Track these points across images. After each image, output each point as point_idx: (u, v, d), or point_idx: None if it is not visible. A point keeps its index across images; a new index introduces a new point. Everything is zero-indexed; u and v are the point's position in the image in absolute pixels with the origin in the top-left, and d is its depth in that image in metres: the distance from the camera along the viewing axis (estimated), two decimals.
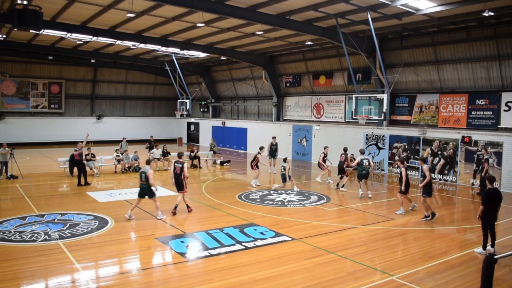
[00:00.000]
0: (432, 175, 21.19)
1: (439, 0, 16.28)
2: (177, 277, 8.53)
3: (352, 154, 18.26)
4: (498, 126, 19.43)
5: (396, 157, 22.01)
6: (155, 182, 13.73)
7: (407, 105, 23.57)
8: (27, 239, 10.60)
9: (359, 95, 21.70)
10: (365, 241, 10.96)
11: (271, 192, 17.38)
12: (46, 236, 10.80)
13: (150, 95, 44.44)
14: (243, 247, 10.20)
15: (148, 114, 44.44)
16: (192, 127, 43.01)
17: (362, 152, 17.02)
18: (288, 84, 31.47)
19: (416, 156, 21.94)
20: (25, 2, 16.50)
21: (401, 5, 16.62)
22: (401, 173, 13.94)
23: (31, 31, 20.87)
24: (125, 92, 42.71)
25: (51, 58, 34.64)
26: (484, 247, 10.03)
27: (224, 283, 8.11)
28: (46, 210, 13.64)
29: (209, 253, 9.78)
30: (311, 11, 18.53)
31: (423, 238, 11.33)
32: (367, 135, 24.51)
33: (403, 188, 13.75)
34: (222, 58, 32.59)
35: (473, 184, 19.50)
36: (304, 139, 28.95)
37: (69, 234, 11.02)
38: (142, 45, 27.37)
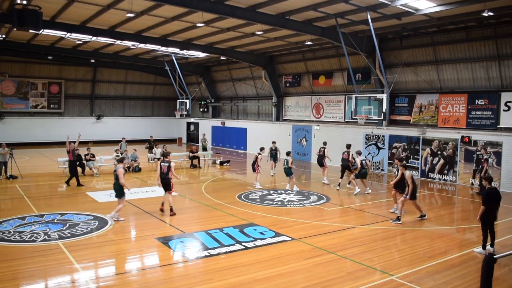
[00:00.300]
0: (432, 174, 21.27)
1: (439, 0, 16.28)
2: (177, 277, 8.53)
3: (352, 154, 18.36)
4: (498, 126, 19.44)
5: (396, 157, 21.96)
6: (155, 182, 13.72)
7: (406, 105, 23.58)
8: (26, 239, 10.59)
9: (358, 95, 21.69)
10: (365, 241, 10.96)
11: (271, 192, 17.38)
12: (46, 236, 10.80)
13: (150, 95, 44.44)
14: (243, 247, 10.19)
15: (148, 114, 44.44)
16: (192, 127, 43.01)
17: (359, 153, 17.32)
18: (287, 84, 31.47)
19: (416, 156, 21.99)
20: (24, 2, 16.49)
21: (400, 5, 16.62)
22: (402, 174, 13.19)
23: (30, 31, 20.86)
24: (124, 92, 42.71)
25: (50, 58, 34.64)
26: (484, 247, 10.03)
27: (224, 283, 8.11)
28: (46, 210, 13.63)
29: (209, 253, 9.78)
30: (311, 11, 18.53)
31: (422, 238, 11.33)
32: (366, 135, 24.52)
33: (408, 196, 12.73)
34: (222, 58, 32.59)
35: (472, 184, 19.50)
36: (304, 139, 28.95)
37: (69, 234, 11.02)
38: (141, 45, 27.36)
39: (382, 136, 23.68)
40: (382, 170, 23.54)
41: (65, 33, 23.68)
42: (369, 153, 24.10)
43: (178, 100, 35.25)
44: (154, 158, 24.23)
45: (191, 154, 24.93)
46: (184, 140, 43.22)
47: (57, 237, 10.76)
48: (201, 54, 31.16)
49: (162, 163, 13.61)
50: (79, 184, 18.26)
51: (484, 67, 20.08)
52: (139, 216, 13.24)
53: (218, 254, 9.71)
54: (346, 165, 18.10)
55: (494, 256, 6.71)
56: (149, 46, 28.10)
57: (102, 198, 15.80)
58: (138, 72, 41.88)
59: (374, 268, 8.99)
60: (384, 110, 20.53)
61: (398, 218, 12.79)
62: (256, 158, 18.18)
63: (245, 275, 8.49)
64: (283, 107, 32.36)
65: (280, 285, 8.05)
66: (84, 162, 21.23)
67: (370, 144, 24.23)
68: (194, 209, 14.78)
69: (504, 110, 19.25)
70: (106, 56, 33.38)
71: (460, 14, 17.86)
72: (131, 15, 19.52)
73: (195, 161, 24.93)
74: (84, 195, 16.45)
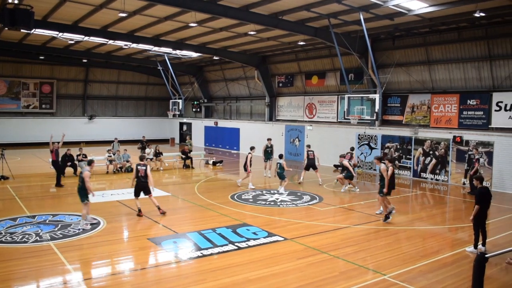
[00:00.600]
0: (424, 174, 21.39)
1: (431, 1, 16.37)
2: (170, 278, 8.50)
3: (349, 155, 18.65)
4: (489, 126, 19.58)
5: (388, 156, 22.09)
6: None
7: (399, 105, 23.69)
8: (18, 240, 10.51)
9: (351, 95, 21.75)
10: (358, 241, 10.99)
11: (264, 192, 17.39)
12: (38, 237, 10.73)
13: (142, 95, 44.27)
14: (236, 247, 10.18)
15: (140, 114, 44.27)
16: (185, 127, 42.92)
17: (344, 156, 18.26)
18: (280, 84, 31.50)
19: (408, 156, 22.10)
20: (16, 1, 16.35)
21: (393, 5, 16.70)
22: (387, 171, 13.26)
23: (22, 30, 20.68)
24: (117, 92, 42.51)
25: (42, 58, 34.40)
26: (476, 246, 10.10)
27: (217, 283, 8.10)
28: (38, 211, 13.54)
29: (201, 253, 9.76)
30: (304, 11, 18.55)
31: (415, 237, 11.39)
32: (359, 135, 24.60)
33: (385, 190, 13.00)
34: (215, 58, 32.53)
35: (464, 183, 19.62)
36: (297, 139, 28.99)
37: (61, 235, 10.95)
38: (134, 45, 27.24)
39: (375, 136, 23.76)
40: (375, 170, 23.61)
41: (57, 32, 23.52)
42: (362, 153, 24.20)
43: (170, 100, 35.14)
44: (146, 159, 24.10)
45: (183, 156, 24.87)
46: (177, 140, 43.10)
47: (49, 238, 10.70)
48: (194, 54, 31.10)
49: (139, 167, 13.35)
50: (58, 184, 18.05)
51: (475, 67, 20.22)
52: (131, 217, 13.18)
53: (211, 254, 9.70)
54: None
55: (486, 255, 6.76)
56: (142, 46, 27.99)
57: (94, 199, 15.62)
58: (131, 72, 41.70)
59: (367, 268, 9.01)
60: (376, 110, 20.59)
61: (387, 216, 12.85)
62: (247, 158, 18.15)
63: (238, 275, 8.48)
64: (276, 107, 32.38)
65: (273, 285, 8.06)
66: (76, 162, 21.10)
67: (363, 144, 24.31)
68: (186, 210, 14.75)
69: (495, 110, 19.39)
70: (99, 56, 33.20)
71: (452, 15, 17.97)
72: (124, 14, 19.45)
73: (188, 162, 24.88)
74: (76, 195, 16.28)
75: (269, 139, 22.18)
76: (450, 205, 16.48)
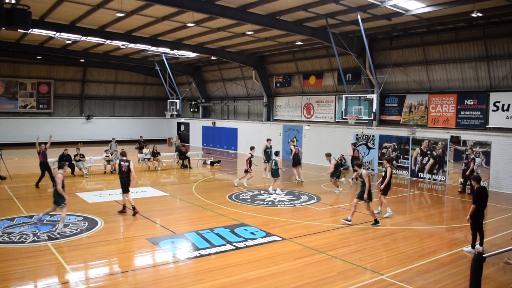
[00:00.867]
0: (421, 174, 21.42)
1: (428, 1, 16.40)
2: (168, 278, 8.49)
3: (335, 158, 18.55)
4: (487, 126, 19.63)
5: (386, 156, 22.10)
6: (145, 183, 13.63)
7: (396, 105, 23.73)
8: (15, 240, 10.49)
9: (349, 95, 21.76)
10: (355, 241, 11.00)
11: (262, 192, 17.39)
12: (35, 237, 10.71)
13: (140, 95, 44.22)
14: (234, 247, 10.18)
15: (138, 114, 44.22)
16: (182, 127, 42.88)
17: (329, 155, 18.23)
18: (278, 84, 31.50)
19: (405, 156, 22.12)
20: (13, 1, 16.33)
21: (390, 5, 16.70)
22: (385, 172, 13.61)
23: (19, 30, 20.68)
24: (114, 92, 42.45)
25: (39, 58, 34.32)
26: (473, 246, 10.12)
27: (215, 283, 8.09)
28: (35, 211, 13.49)
29: (199, 253, 9.75)
30: (301, 11, 18.55)
31: (412, 237, 11.40)
32: (357, 135, 24.62)
33: (382, 187, 13.45)
34: (212, 58, 32.50)
35: (461, 183, 19.64)
36: (295, 139, 28.94)
37: (58, 235, 10.93)
38: (132, 45, 27.22)
39: (372, 136, 23.79)
40: (372, 170, 23.64)
41: (55, 32, 23.48)
42: (360, 153, 24.19)
43: (168, 100, 35.06)
44: (144, 159, 24.14)
45: (180, 155, 24.86)
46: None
47: (47, 238, 10.67)
48: (192, 54, 31.08)
49: (122, 162, 13.35)
50: (37, 185, 17.96)
51: (473, 67, 20.26)
52: (129, 217, 13.16)
53: (209, 254, 9.69)
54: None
55: (483, 255, 6.76)
56: (139, 46, 27.97)
57: (92, 199, 15.69)
58: (128, 72, 41.64)
59: (364, 268, 9.02)
60: (374, 110, 20.59)
61: (376, 221, 12.67)
62: (248, 158, 18.17)
63: (236, 275, 8.48)
64: (274, 107, 32.38)
65: (271, 285, 8.06)
66: (74, 162, 21.07)
67: (361, 144, 24.33)
68: (184, 210, 14.74)
69: (493, 110, 19.44)
70: (96, 56, 33.15)
71: (449, 15, 18.00)
72: (121, 14, 19.42)
73: (186, 161, 24.87)
74: (74, 195, 16.30)
75: (268, 140, 21.63)
76: (448, 205, 16.50)
